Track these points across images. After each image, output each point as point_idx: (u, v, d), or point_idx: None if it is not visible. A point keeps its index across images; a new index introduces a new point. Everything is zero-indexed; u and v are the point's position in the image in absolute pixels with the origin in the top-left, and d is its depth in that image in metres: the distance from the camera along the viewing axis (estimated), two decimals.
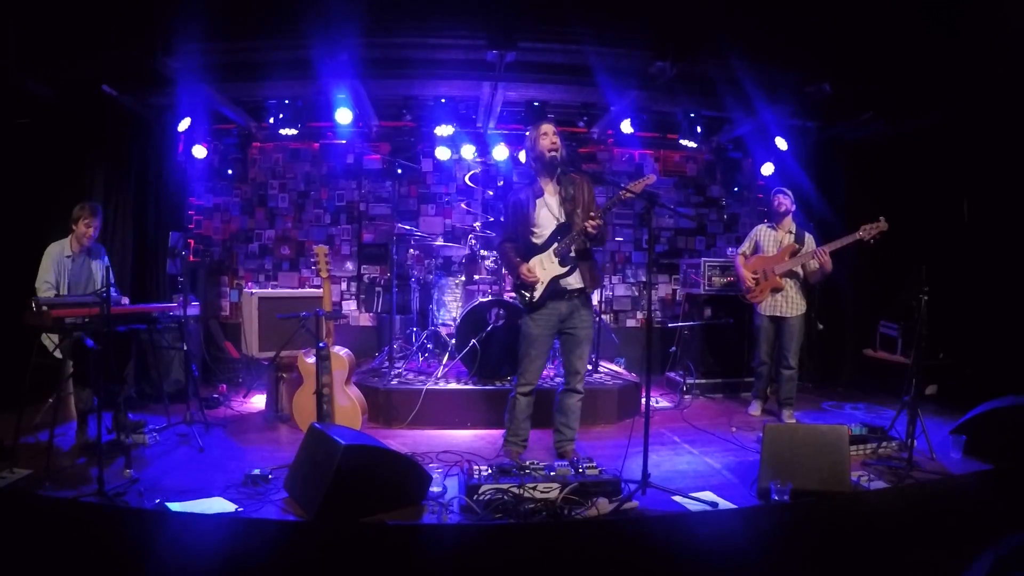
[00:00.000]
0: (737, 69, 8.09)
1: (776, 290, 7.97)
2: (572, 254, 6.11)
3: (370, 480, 5.13)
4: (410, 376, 8.46)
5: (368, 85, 8.91)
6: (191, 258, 10.47)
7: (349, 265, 11.32)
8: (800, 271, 7.94)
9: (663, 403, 9.27)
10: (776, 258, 7.99)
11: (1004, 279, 8.50)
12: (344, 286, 11.35)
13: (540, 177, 6.20)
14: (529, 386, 6.29)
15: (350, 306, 11.36)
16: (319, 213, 11.27)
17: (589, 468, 5.63)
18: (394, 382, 8.18)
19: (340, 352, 7.04)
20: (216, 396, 8.92)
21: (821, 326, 10.35)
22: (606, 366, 9.40)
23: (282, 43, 7.72)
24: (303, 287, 11.04)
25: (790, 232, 8.05)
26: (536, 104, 9.28)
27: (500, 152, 10.37)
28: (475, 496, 5.24)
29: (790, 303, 7.98)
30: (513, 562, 4.09)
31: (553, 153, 6.04)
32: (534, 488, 5.27)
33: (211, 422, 7.69)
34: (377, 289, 10.74)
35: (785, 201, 8.08)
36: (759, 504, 5.55)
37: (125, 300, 7.31)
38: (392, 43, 7.86)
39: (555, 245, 6.09)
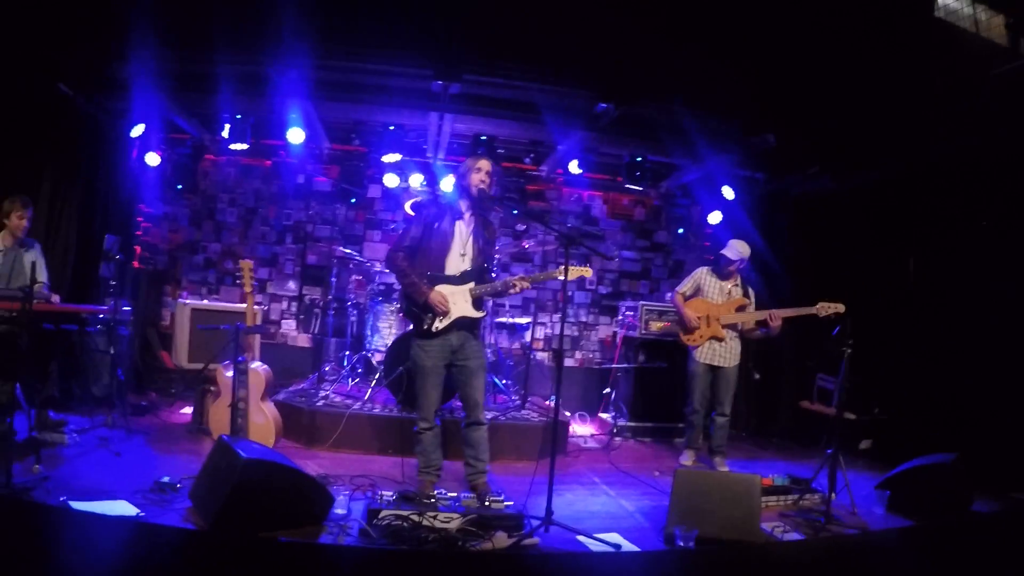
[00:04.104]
0: (681, 116, 8.23)
1: (717, 339, 7.94)
2: (484, 300, 6.16)
3: (270, 496, 5.08)
4: (337, 399, 8.41)
5: (319, 106, 8.94)
6: (136, 264, 10.46)
7: (291, 285, 11.29)
8: (746, 326, 7.94)
9: (591, 444, 9.24)
10: (723, 307, 7.96)
11: (945, 339, 8.54)
12: (285, 305, 11.30)
13: (461, 201, 6.19)
14: (427, 422, 6.18)
15: (290, 326, 11.30)
16: (266, 231, 11.25)
17: (495, 502, 5.62)
18: (320, 403, 8.14)
19: (258, 368, 7.00)
20: (144, 404, 8.82)
21: (757, 376, 10.39)
22: (537, 403, 9.37)
23: (235, 57, 7.75)
24: (245, 302, 10.90)
25: (737, 285, 8.04)
26: (484, 138, 9.35)
27: (447, 183, 10.30)
28: (375, 520, 5.22)
29: (729, 353, 7.97)
30: None
31: (481, 187, 6.03)
32: (434, 517, 5.26)
33: (134, 429, 7.61)
34: (316, 311, 10.72)
35: (743, 252, 7.95)
36: (662, 549, 5.51)
37: (56, 298, 7.15)
38: (342, 66, 7.90)
39: (471, 286, 6.06)
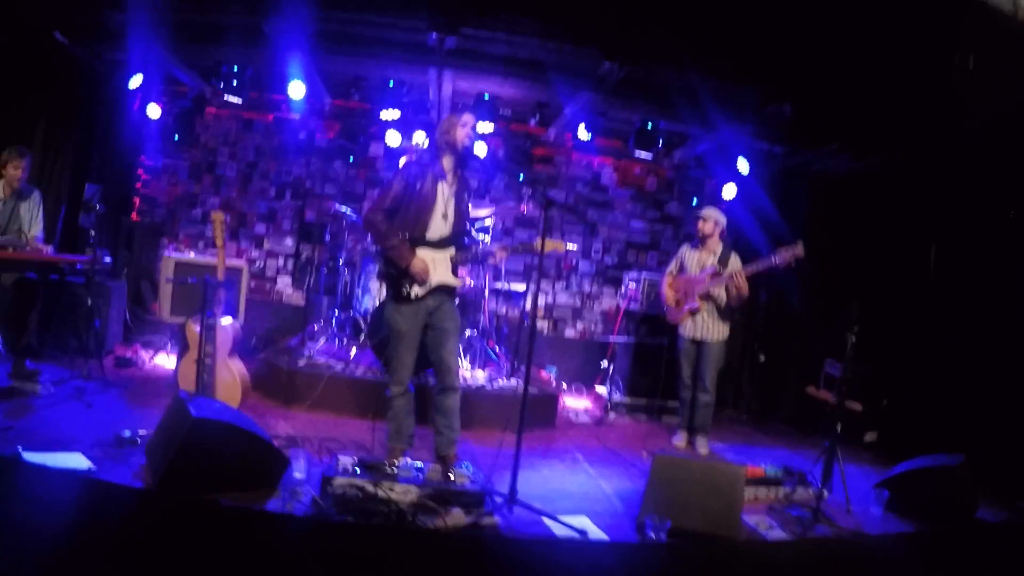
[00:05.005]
0: (692, 79, 7.88)
1: (693, 312, 7.69)
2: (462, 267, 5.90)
3: (220, 457, 4.90)
4: (320, 360, 8.16)
5: (318, 59, 8.60)
6: (134, 217, 10.29)
7: (288, 241, 11.04)
8: (723, 294, 7.61)
9: (583, 418, 8.97)
10: (697, 279, 7.71)
11: (963, 333, 8.18)
12: (281, 262, 11.08)
13: (443, 158, 5.84)
14: (402, 386, 5.88)
15: (286, 282, 11.10)
16: (265, 186, 11.00)
17: (459, 476, 5.31)
18: (301, 363, 7.92)
19: (224, 323, 6.72)
20: (129, 356, 8.67)
21: (763, 357, 10.06)
22: (532, 373, 9.07)
23: (233, 6, 7.53)
24: (240, 258, 10.71)
25: (714, 253, 7.74)
26: (487, 97, 8.99)
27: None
28: (328, 488, 4.97)
29: (708, 327, 7.69)
30: (333, 561, 3.96)
31: (467, 144, 5.76)
32: (390, 488, 4.98)
33: (114, 381, 7.53)
34: (310, 268, 10.45)
35: (704, 226, 7.77)
36: (632, 540, 5.18)
37: (49, 249, 7.10)
38: (340, 17, 7.58)
39: (452, 252, 5.82)
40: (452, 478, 5.28)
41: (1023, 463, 6.96)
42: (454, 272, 5.86)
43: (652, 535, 4.97)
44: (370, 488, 4.96)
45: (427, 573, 3.98)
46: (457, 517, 4.90)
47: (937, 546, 5.55)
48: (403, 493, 4.99)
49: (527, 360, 5.60)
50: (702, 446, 7.78)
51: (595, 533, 5.13)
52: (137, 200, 10.78)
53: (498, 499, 5.21)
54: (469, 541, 4.69)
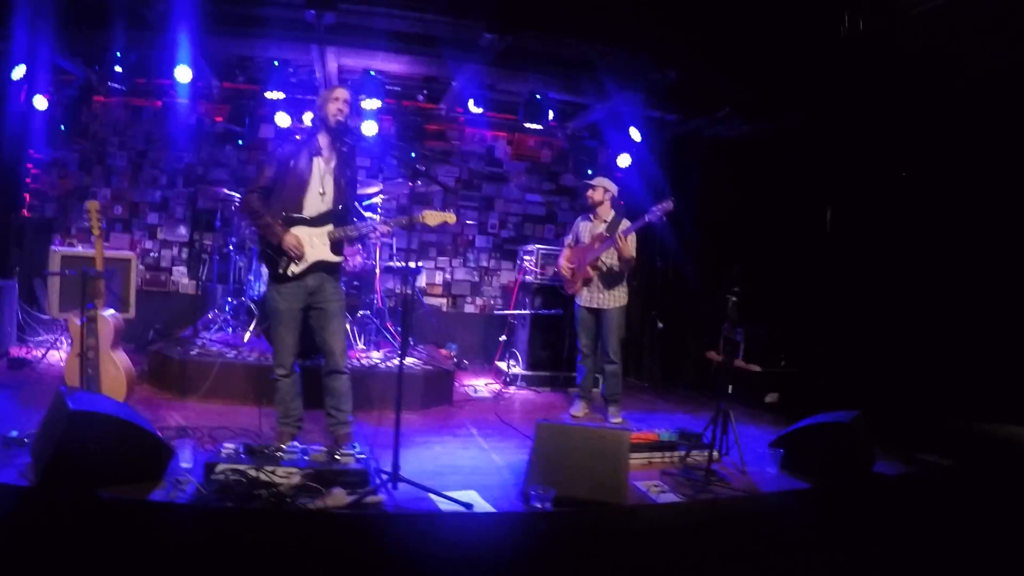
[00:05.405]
0: (578, 48, 7.94)
1: (587, 281, 7.72)
2: (343, 243, 5.86)
3: (102, 450, 4.80)
4: (214, 348, 8.05)
5: (201, 41, 8.37)
6: (25, 213, 10.04)
7: (182, 230, 10.85)
8: (614, 260, 7.63)
9: (483, 393, 9.00)
10: (587, 248, 7.75)
11: (859, 293, 8.30)
12: (175, 251, 10.89)
13: (319, 135, 5.80)
14: (284, 368, 5.86)
15: (181, 272, 10.92)
16: (156, 174, 10.78)
17: (344, 456, 5.28)
18: (193, 352, 7.81)
19: (106, 315, 6.58)
20: (21, 357, 8.46)
21: (661, 324, 10.16)
22: (429, 352, 9.11)
23: None
24: (134, 249, 10.51)
25: (604, 222, 7.77)
26: (372, 73, 8.89)
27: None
28: (211, 476, 4.91)
29: (604, 294, 7.71)
30: (214, 547, 3.86)
31: (339, 119, 5.68)
32: (272, 472, 4.93)
33: (4, 383, 7.41)
34: (203, 256, 10.29)
35: (594, 194, 7.85)
36: (516, 511, 5.19)
37: None
38: None
39: (330, 228, 5.74)
40: (338, 459, 5.24)
41: (920, 415, 7.16)
42: (334, 250, 5.78)
43: (538, 505, 4.99)
44: (252, 473, 4.90)
45: (307, 554, 3.93)
46: (338, 497, 4.85)
47: (830, 502, 5.56)
48: (285, 476, 4.94)
49: (403, 337, 5.60)
50: (614, 415, 7.79)
51: (481, 506, 5.12)
52: (27, 196, 10.46)
53: (384, 477, 5.18)
54: (350, 520, 4.65)
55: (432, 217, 5.69)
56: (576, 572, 3.95)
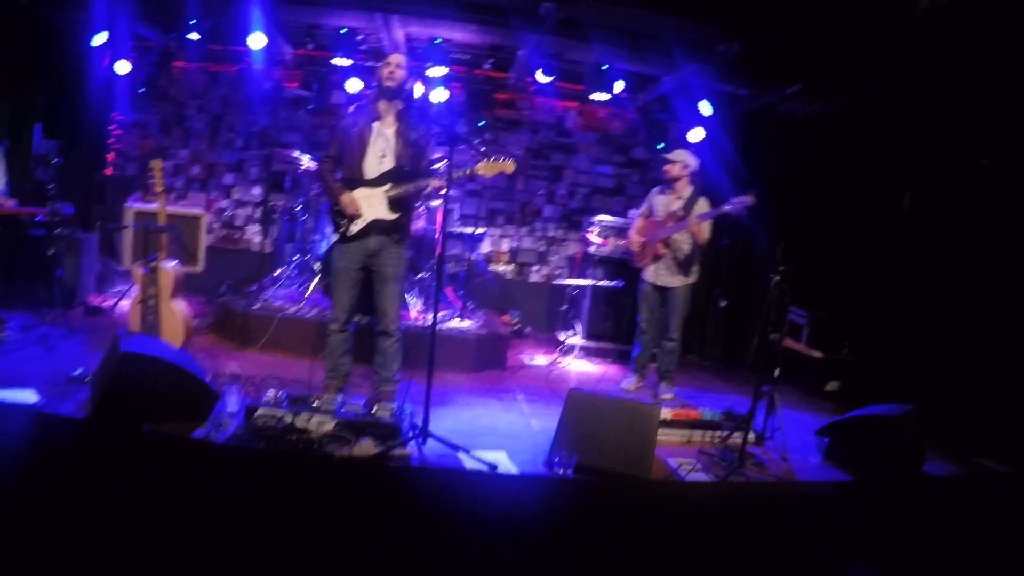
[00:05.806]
0: (631, 16, 7.88)
1: (657, 257, 7.62)
2: (403, 202, 5.97)
3: (150, 390, 5.08)
4: (275, 303, 8.32)
5: (271, 10, 8.60)
6: (108, 172, 10.39)
7: (256, 190, 11.14)
8: (686, 240, 7.53)
9: (538, 359, 9.10)
10: (660, 224, 7.61)
11: (935, 283, 7.94)
12: (249, 211, 11.20)
13: (379, 102, 5.95)
14: (337, 323, 6.10)
15: (254, 231, 11.24)
16: (232, 137, 11.06)
17: (381, 409, 5.47)
18: (256, 306, 8.10)
19: (167, 266, 6.85)
20: (99, 304, 8.84)
21: (723, 303, 10.06)
22: (489, 317, 9.23)
23: None
24: (209, 208, 10.85)
25: (680, 198, 7.60)
26: (438, 41, 9.03)
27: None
28: (251, 419, 5.16)
29: (672, 272, 7.62)
30: (245, 484, 4.08)
31: (389, 83, 5.83)
32: (308, 419, 5.14)
33: (80, 327, 7.71)
34: (275, 216, 10.54)
35: (672, 169, 7.63)
36: (536, 474, 5.28)
37: (12, 203, 7.42)
38: None
39: (387, 187, 5.88)
40: (373, 412, 5.42)
41: (986, 417, 6.85)
42: (392, 208, 5.92)
43: (559, 471, 5.06)
44: (288, 419, 5.13)
45: (329, 498, 4.06)
46: (366, 447, 5.02)
47: (871, 497, 5.44)
48: (318, 424, 5.14)
49: (435, 298, 5.72)
50: (666, 391, 7.79)
51: (507, 467, 5.24)
52: (111, 155, 10.87)
53: (412, 433, 5.31)
54: (372, 469, 4.78)
55: (488, 168, 5.78)
56: (591, 540, 3.98)
